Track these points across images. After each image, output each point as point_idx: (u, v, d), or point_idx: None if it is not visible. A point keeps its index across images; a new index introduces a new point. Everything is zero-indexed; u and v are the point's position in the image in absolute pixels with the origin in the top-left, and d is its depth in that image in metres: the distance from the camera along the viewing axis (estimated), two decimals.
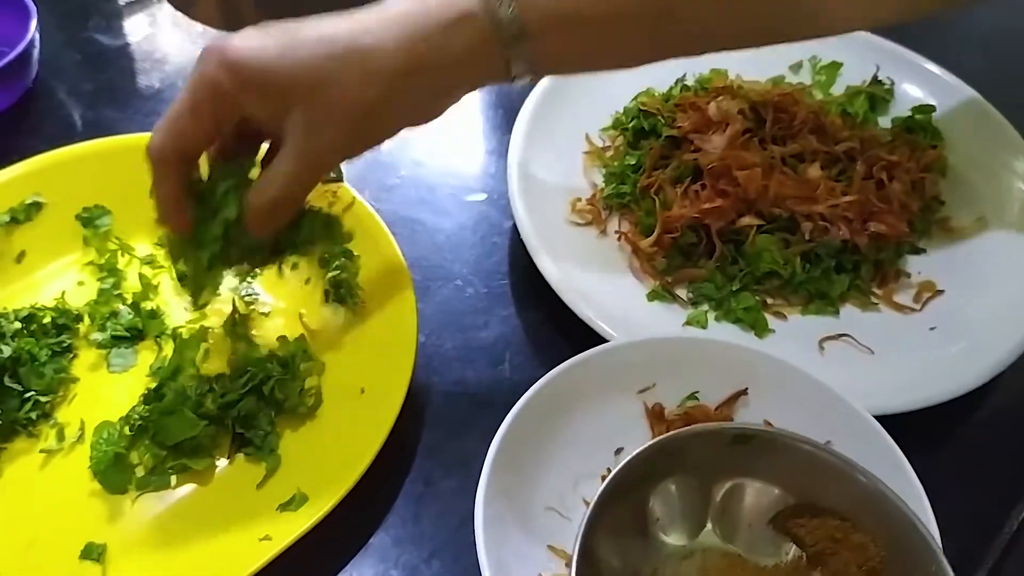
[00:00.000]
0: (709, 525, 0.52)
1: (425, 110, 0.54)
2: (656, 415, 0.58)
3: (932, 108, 0.75)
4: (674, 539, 0.52)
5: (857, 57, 0.80)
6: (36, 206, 0.67)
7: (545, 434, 0.55)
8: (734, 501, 0.51)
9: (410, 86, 0.51)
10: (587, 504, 0.47)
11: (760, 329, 0.64)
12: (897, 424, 0.54)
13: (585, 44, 0.53)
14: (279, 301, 0.66)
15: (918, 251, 0.70)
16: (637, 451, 0.48)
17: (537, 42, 0.51)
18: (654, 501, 0.51)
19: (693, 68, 0.78)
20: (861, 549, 0.48)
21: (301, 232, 0.57)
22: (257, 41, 0.49)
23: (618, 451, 0.58)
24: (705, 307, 0.65)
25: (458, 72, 0.52)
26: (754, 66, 0.77)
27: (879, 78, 0.79)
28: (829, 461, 0.48)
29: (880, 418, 0.54)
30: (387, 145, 0.77)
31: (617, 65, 0.58)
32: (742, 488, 0.51)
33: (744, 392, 0.58)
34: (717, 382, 0.58)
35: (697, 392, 0.58)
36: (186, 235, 0.54)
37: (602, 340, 0.60)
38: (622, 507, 0.48)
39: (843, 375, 0.58)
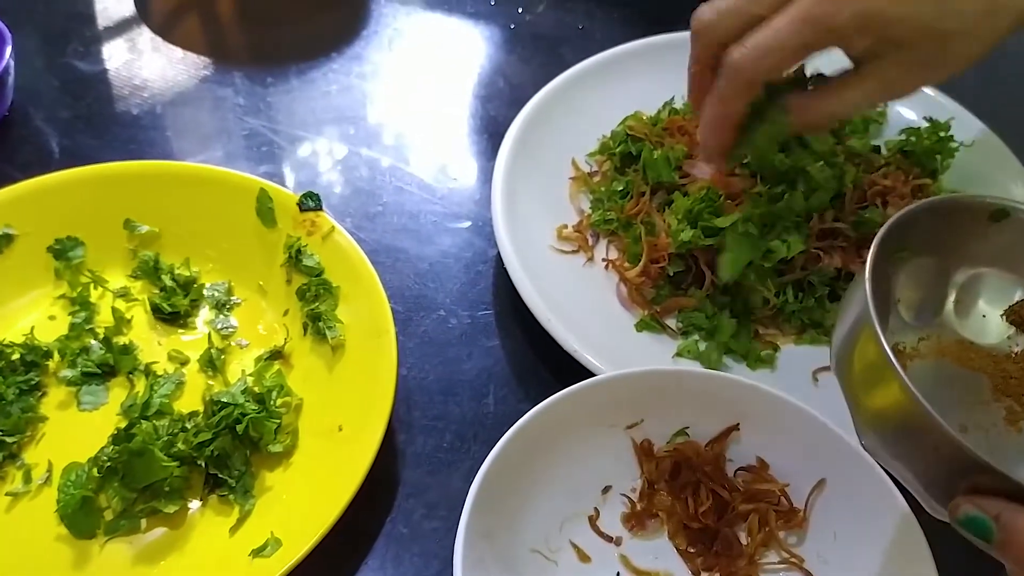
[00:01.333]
0: (949, 307, 0.51)
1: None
2: (645, 451, 0.56)
3: (939, 128, 0.73)
4: (912, 318, 0.50)
5: None
6: (6, 238, 0.65)
7: (529, 472, 0.53)
8: (974, 289, 0.51)
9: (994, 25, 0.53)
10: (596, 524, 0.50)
11: (752, 360, 0.62)
12: None
13: None
14: (257, 334, 0.64)
15: None
16: (904, 211, 0.47)
17: None
18: (900, 276, 0.50)
19: (681, 91, 0.76)
20: None
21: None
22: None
23: (606, 489, 0.56)
24: (695, 337, 0.63)
25: None
26: None
27: None
28: None
29: None
30: (368, 173, 0.77)
31: None
32: (984, 277, 0.50)
33: (736, 427, 0.56)
34: (708, 416, 0.56)
35: (687, 427, 0.56)
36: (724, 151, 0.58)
37: (589, 373, 0.58)
38: (877, 271, 0.46)
39: (838, 406, 0.55)
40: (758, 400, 0.55)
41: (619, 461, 0.56)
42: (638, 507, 0.56)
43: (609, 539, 0.55)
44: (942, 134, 0.73)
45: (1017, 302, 0.51)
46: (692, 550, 0.54)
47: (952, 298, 0.51)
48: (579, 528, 0.55)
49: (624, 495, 0.56)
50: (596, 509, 0.55)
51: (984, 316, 0.51)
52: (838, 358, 0.46)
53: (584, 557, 0.54)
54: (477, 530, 0.49)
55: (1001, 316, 0.51)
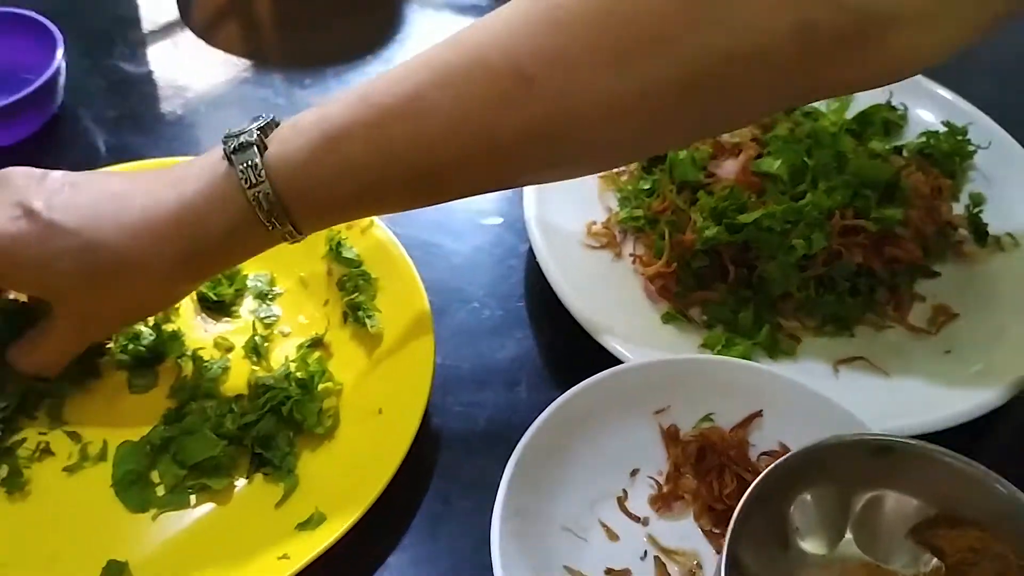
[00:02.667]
0: (849, 535, 0.51)
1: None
2: (671, 436, 0.59)
3: (957, 132, 0.75)
4: (813, 548, 0.51)
5: None
6: None
7: (561, 454, 0.56)
8: (874, 512, 0.51)
9: (185, 277, 0.56)
10: (633, 516, 0.53)
11: (774, 352, 0.65)
12: None
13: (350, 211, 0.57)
14: (298, 323, 0.67)
15: (933, 275, 0.70)
16: (780, 461, 0.48)
17: (292, 211, 0.52)
18: (794, 510, 0.51)
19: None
20: (1001, 560, 0.48)
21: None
22: (16, 231, 0.52)
23: (633, 472, 0.58)
24: (719, 329, 0.66)
25: (226, 256, 0.56)
26: None
27: (892, 104, 0.80)
28: (968, 472, 0.48)
29: None
30: None
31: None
32: (882, 499, 0.51)
33: (759, 414, 0.58)
34: (732, 403, 0.58)
35: (712, 414, 0.59)
36: None
37: (617, 361, 0.60)
38: (763, 516, 0.48)
39: (858, 397, 0.58)
40: (780, 388, 0.58)
41: (646, 445, 0.59)
42: (665, 489, 0.58)
43: (637, 519, 0.57)
44: (959, 137, 0.75)
45: (920, 522, 0.50)
46: (716, 531, 0.56)
47: (853, 522, 0.51)
48: (608, 508, 0.57)
49: (651, 478, 0.58)
50: (624, 490, 0.58)
51: (889, 538, 0.51)
52: None
53: (613, 536, 0.56)
54: (512, 507, 0.52)
55: (906, 537, 0.51)
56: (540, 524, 0.54)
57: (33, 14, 0.81)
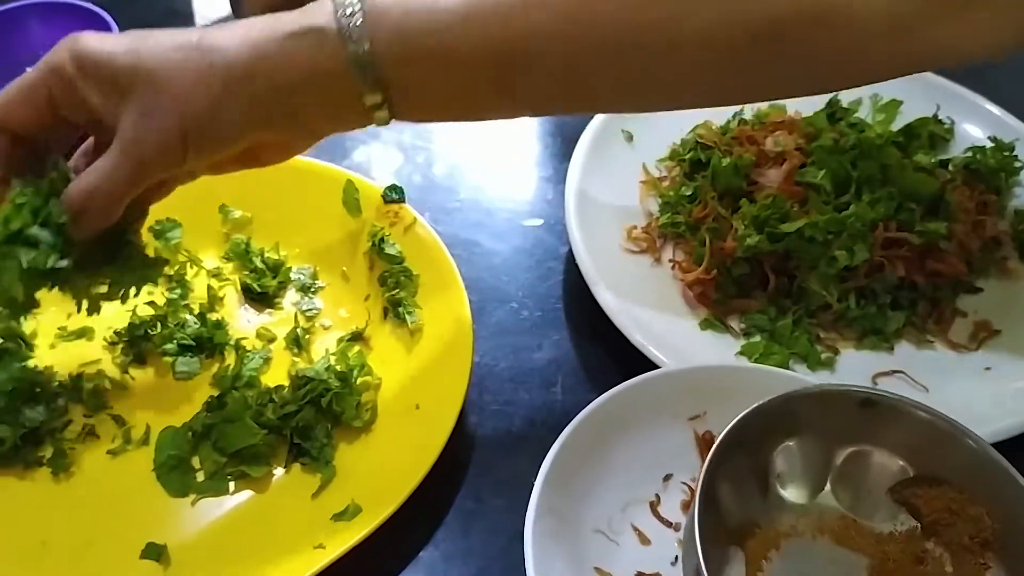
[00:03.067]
0: (828, 487, 0.53)
1: (272, 127, 0.52)
2: (706, 443, 0.59)
3: (1004, 148, 0.75)
4: (793, 496, 0.52)
5: (917, 96, 0.80)
6: None
7: (595, 457, 0.56)
8: (855, 467, 0.52)
9: (249, 91, 0.49)
10: (662, 513, 0.53)
11: (812, 362, 0.64)
12: None
13: (435, 78, 0.50)
14: (339, 316, 0.68)
15: (975, 290, 0.70)
16: (761, 402, 0.49)
17: (386, 68, 0.49)
18: (776, 457, 0.52)
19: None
20: (975, 521, 0.49)
21: (115, 258, 0.56)
22: (111, 36, 0.50)
23: (667, 477, 0.58)
24: (757, 338, 0.66)
25: (305, 91, 0.50)
26: (811, 103, 0.77)
27: (939, 118, 0.79)
28: (948, 430, 0.49)
29: None
30: (447, 169, 0.80)
31: (477, 115, 0.55)
32: (864, 456, 0.52)
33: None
34: None
35: None
36: None
37: (654, 366, 0.60)
38: (744, 458, 0.49)
39: None
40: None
41: (681, 451, 0.59)
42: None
43: (669, 524, 0.57)
44: (1006, 153, 0.74)
45: (900, 481, 0.51)
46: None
47: (833, 475, 0.52)
48: (641, 512, 0.57)
49: (684, 483, 0.58)
50: (657, 495, 0.58)
51: (869, 494, 0.52)
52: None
53: (645, 540, 0.56)
54: (546, 506, 0.52)
55: (885, 494, 0.52)
56: (572, 525, 0.54)
57: (89, 5, 0.83)
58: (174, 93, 0.49)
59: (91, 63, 0.49)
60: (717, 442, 0.48)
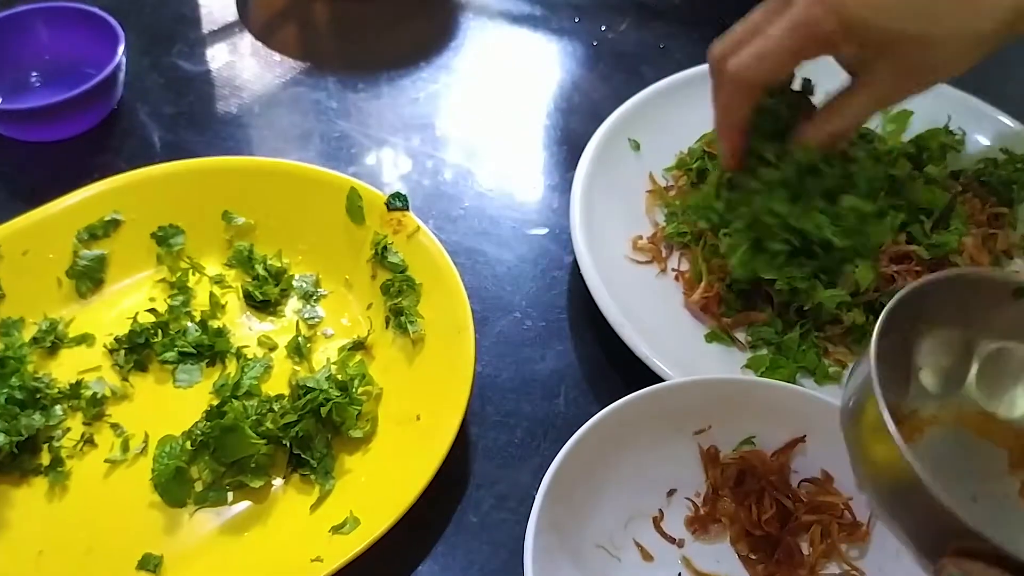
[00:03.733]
0: (971, 380, 0.52)
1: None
2: (711, 458, 0.58)
3: (1016, 160, 0.73)
4: (933, 386, 0.52)
5: (928, 106, 0.79)
6: (114, 223, 0.69)
7: (598, 470, 0.55)
8: (999, 363, 0.51)
9: (997, 43, 0.54)
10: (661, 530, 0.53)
11: (820, 376, 0.63)
12: None
13: None
14: (341, 325, 0.67)
15: None
16: (920, 281, 0.48)
17: None
18: (923, 344, 0.51)
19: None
20: None
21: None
22: None
23: (671, 492, 0.57)
24: (764, 351, 0.65)
25: None
26: None
27: (950, 128, 0.78)
28: None
29: None
30: (452, 177, 0.80)
31: None
32: (1009, 352, 0.51)
33: (802, 439, 0.57)
34: (774, 427, 0.57)
35: (754, 437, 0.58)
36: (737, 156, 0.59)
37: (658, 379, 0.59)
38: (892, 340, 0.47)
39: None
40: (826, 413, 0.56)
41: (685, 465, 0.58)
42: (702, 511, 0.57)
43: (672, 540, 0.56)
44: (1019, 165, 0.73)
45: None
46: (753, 556, 0.56)
47: (975, 370, 0.51)
48: (643, 527, 0.56)
49: (688, 499, 0.57)
50: (660, 511, 0.57)
51: (1009, 390, 0.51)
52: (845, 413, 0.47)
53: (647, 556, 0.55)
54: (547, 520, 0.52)
55: None
56: (574, 540, 0.54)
57: (97, 10, 0.83)
58: (943, 59, 0.54)
59: (855, 24, 0.52)
60: (885, 313, 0.46)
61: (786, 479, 0.57)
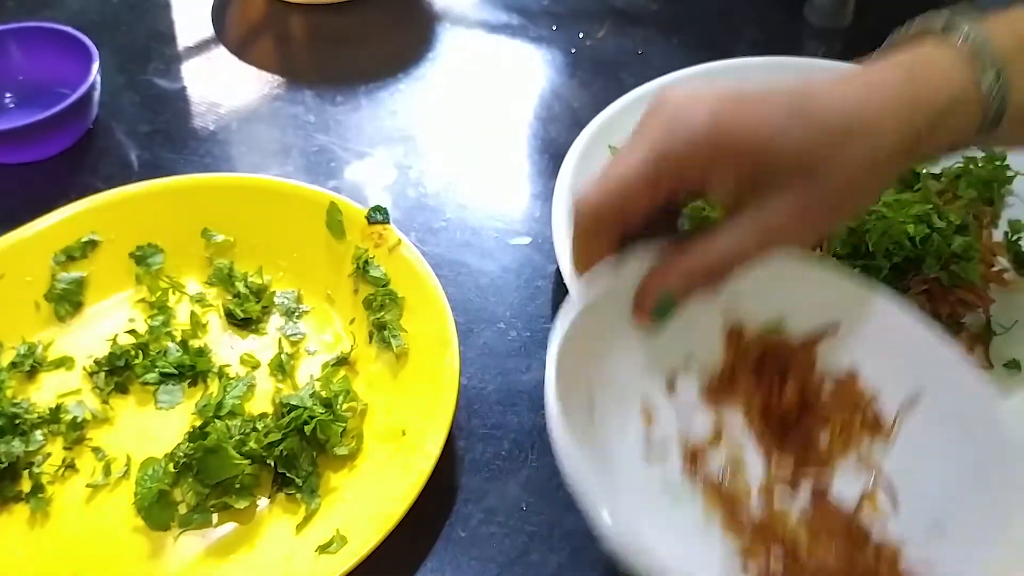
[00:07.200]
0: None
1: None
2: (735, 334, 0.54)
3: (995, 158, 0.73)
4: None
5: None
6: (92, 243, 0.68)
7: (615, 325, 0.51)
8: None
9: (895, 172, 0.48)
10: None
11: None
12: None
13: None
14: (324, 341, 0.67)
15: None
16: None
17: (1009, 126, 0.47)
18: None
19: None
20: None
21: None
22: (737, 107, 0.45)
23: (688, 358, 0.53)
24: None
25: (934, 155, 0.51)
26: None
27: None
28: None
29: None
30: (434, 188, 0.80)
31: None
32: None
33: (835, 329, 0.53)
34: (808, 313, 0.53)
35: (784, 319, 0.53)
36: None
37: None
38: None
39: None
40: (865, 305, 0.52)
41: (707, 334, 0.53)
42: (717, 383, 0.53)
43: (683, 405, 0.52)
44: (998, 163, 0.73)
45: None
46: (767, 433, 0.52)
47: None
48: (654, 388, 0.52)
49: (705, 370, 0.53)
50: (674, 374, 0.53)
51: None
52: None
53: (652, 416, 0.52)
54: (565, 365, 0.48)
55: None
56: (589, 392, 0.50)
57: (70, 29, 0.82)
58: (839, 188, 0.45)
59: (734, 150, 0.44)
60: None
61: (812, 367, 0.53)
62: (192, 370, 0.64)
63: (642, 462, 0.51)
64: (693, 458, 0.51)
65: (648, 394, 0.52)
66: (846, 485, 0.51)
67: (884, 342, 0.52)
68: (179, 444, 0.58)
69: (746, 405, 0.53)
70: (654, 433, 0.52)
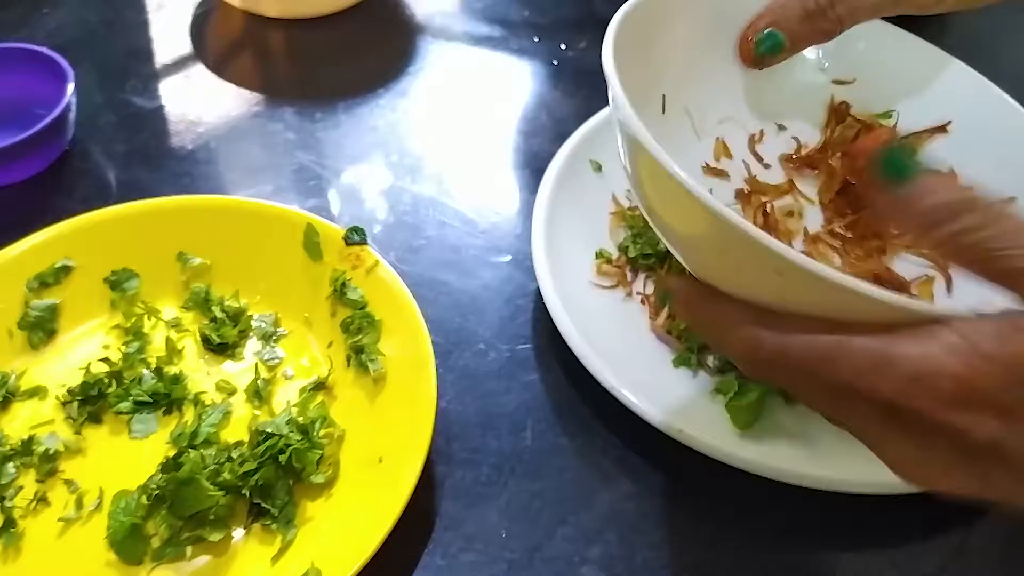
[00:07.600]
0: None
1: None
2: (839, 112, 0.51)
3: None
4: None
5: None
6: (65, 269, 0.67)
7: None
8: None
9: None
10: None
11: (791, 398, 0.62)
12: None
13: None
14: (301, 365, 0.66)
15: None
16: None
17: None
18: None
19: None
20: None
21: None
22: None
23: (780, 127, 0.51)
24: (733, 375, 0.63)
25: None
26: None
27: None
28: None
29: None
30: (413, 206, 0.79)
31: None
32: None
33: (944, 128, 0.50)
34: (920, 108, 0.51)
35: (894, 111, 0.51)
36: None
37: (626, 408, 0.58)
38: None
39: None
40: (979, 104, 0.50)
41: (811, 106, 0.51)
42: (803, 152, 0.51)
43: (759, 159, 0.50)
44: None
45: None
46: (835, 199, 0.51)
47: None
48: (735, 134, 0.50)
49: (795, 138, 0.51)
50: (762, 131, 0.51)
51: None
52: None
53: (727, 152, 0.50)
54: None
55: None
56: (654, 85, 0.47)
57: (44, 50, 0.81)
58: None
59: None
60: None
61: None
62: (167, 398, 0.63)
63: (699, 171, 0.48)
64: (750, 194, 0.49)
65: (726, 132, 0.49)
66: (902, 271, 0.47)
67: (988, 145, 0.49)
68: (152, 476, 0.57)
69: (827, 178, 0.50)
70: (720, 159, 0.49)
